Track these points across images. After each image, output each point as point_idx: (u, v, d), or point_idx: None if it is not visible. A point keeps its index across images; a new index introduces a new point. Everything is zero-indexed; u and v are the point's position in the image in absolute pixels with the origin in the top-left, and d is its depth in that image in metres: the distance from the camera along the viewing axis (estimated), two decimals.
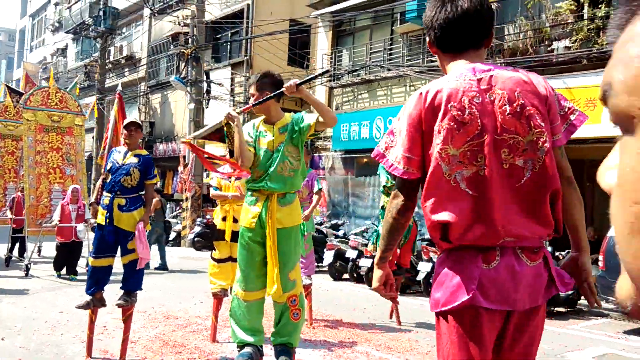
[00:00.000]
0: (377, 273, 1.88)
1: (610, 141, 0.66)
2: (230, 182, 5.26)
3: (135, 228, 4.60)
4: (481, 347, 1.63)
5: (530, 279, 1.65)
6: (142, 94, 21.18)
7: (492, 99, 1.64)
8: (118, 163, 4.72)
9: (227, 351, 4.92)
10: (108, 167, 4.76)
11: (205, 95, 15.39)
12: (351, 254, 9.34)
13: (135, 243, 4.59)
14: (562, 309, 7.75)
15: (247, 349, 3.46)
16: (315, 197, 5.99)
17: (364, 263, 8.86)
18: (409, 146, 1.69)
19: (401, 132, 1.72)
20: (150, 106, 21.30)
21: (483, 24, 1.75)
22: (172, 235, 15.23)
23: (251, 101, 3.59)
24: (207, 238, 14.14)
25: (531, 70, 1.84)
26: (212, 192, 5.35)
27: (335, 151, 13.42)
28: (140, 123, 5.06)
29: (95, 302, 4.62)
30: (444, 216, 1.64)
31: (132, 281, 4.69)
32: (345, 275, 9.74)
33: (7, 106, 11.62)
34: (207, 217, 14.44)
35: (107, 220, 4.61)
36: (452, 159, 1.63)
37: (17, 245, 10.24)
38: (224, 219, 5.13)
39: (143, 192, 4.78)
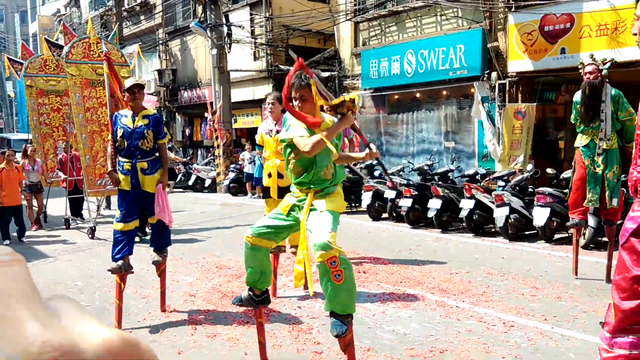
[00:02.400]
0: None
1: None
2: (271, 137, 5.11)
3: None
4: None
5: None
6: (161, 42, 20.81)
7: None
8: (130, 128, 4.63)
9: (288, 306, 5.03)
10: (120, 134, 4.64)
11: (226, 39, 15.02)
12: (389, 194, 9.30)
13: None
14: None
15: (246, 293, 3.48)
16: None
17: (404, 203, 8.83)
18: None
19: None
20: (170, 53, 20.98)
21: None
22: (207, 182, 15.40)
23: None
24: (242, 183, 14.32)
25: None
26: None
27: (365, 89, 13.08)
28: (144, 83, 4.87)
29: (126, 267, 4.62)
30: None
31: (162, 239, 4.84)
32: (384, 215, 9.77)
33: (45, 60, 10.99)
34: (239, 163, 14.52)
35: (133, 185, 4.63)
36: None
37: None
38: (270, 175, 5.05)
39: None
